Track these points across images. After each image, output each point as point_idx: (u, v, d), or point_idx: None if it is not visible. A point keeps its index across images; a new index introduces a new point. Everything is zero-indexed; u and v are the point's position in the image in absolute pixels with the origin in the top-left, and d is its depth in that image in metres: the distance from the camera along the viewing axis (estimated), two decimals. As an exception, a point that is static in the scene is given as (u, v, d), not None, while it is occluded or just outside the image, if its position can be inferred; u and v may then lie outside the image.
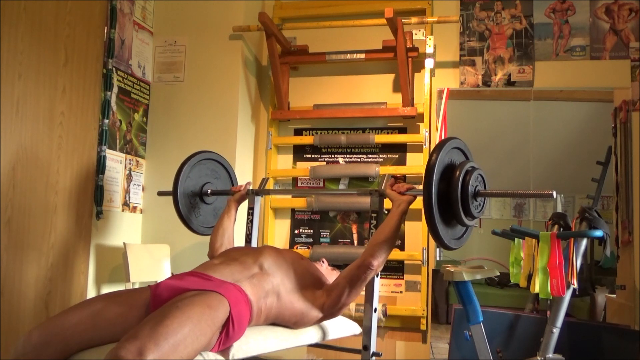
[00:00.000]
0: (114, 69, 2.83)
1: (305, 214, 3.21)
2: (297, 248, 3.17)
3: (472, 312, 2.46)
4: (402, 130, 3.12)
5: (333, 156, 3.21)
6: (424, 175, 1.69)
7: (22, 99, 2.30)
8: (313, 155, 3.24)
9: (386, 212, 1.95)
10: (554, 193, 1.65)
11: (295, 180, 3.26)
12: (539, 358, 2.36)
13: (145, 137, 3.13)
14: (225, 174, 2.60)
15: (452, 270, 2.49)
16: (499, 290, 3.03)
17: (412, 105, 3.00)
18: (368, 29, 3.12)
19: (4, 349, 2.15)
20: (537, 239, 2.37)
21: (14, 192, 2.26)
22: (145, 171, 3.11)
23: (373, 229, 1.93)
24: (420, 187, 1.78)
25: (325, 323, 1.91)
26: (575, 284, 2.31)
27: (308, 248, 3.12)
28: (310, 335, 1.86)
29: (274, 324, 1.78)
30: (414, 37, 3.06)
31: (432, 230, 1.69)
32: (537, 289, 2.31)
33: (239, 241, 2.39)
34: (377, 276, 1.85)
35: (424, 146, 3.01)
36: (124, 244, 2.68)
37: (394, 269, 3.03)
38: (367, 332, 1.84)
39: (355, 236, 3.13)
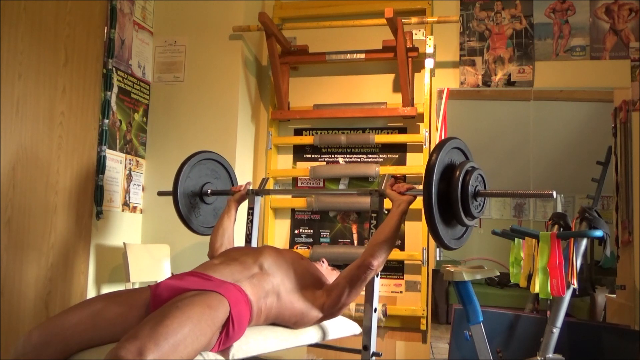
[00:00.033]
0: (114, 69, 2.83)
1: (305, 214, 3.21)
2: (297, 248, 3.17)
3: (472, 312, 2.46)
4: (402, 130, 3.12)
5: (333, 156, 3.21)
6: (424, 175, 1.69)
7: (22, 99, 2.30)
8: (313, 155, 3.24)
9: (386, 212, 1.95)
10: (554, 193, 1.65)
11: (295, 180, 3.26)
12: (539, 358, 2.36)
13: (145, 137, 3.13)
14: (225, 174, 2.60)
15: (452, 270, 2.49)
16: (499, 290, 3.03)
17: (412, 105, 3.00)
18: (368, 29, 3.12)
19: (4, 349, 2.15)
20: (537, 239, 2.37)
21: (14, 192, 2.26)
22: (145, 171, 3.11)
23: (373, 229, 1.93)
24: (420, 187, 1.78)
25: (325, 323, 1.91)
26: (575, 284, 2.31)
27: (308, 248, 3.12)
28: (310, 335, 1.86)
29: (274, 324, 1.78)
30: (414, 37, 3.06)
31: (432, 230, 1.69)
32: (537, 289, 2.31)
33: (239, 241, 2.39)
34: (377, 276, 1.85)
35: (424, 146, 3.01)
36: (124, 244, 2.68)
37: (394, 269, 3.03)
38: (367, 332, 1.84)
39: (355, 236, 3.13)
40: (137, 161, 3.05)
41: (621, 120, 2.88)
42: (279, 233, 3.23)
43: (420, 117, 3.04)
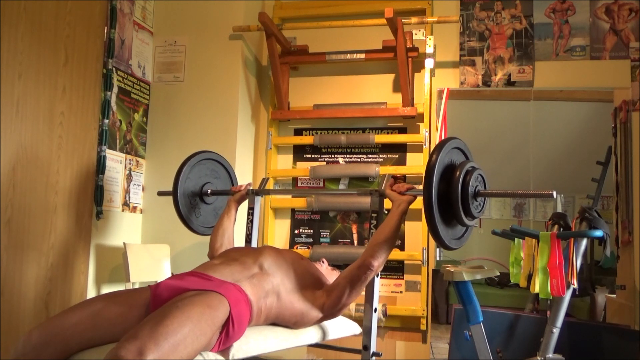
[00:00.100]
0: (114, 69, 2.83)
1: (305, 214, 3.21)
2: (297, 248, 3.17)
3: (472, 312, 2.46)
4: (402, 130, 3.12)
5: (333, 156, 3.21)
6: (424, 175, 1.69)
7: (22, 99, 2.30)
8: (313, 155, 3.24)
9: (386, 212, 1.95)
10: (554, 193, 1.65)
11: (295, 180, 3.26)
12: (539, 358, 2.36)
13: (145, 137, 3.13)
14: (225, 174, 2.60)
15: (452, 270, 2.49)
16: (499, 290, 3.04)
17: (412, 105, 3.00)
18: (368, 29, 3.12)
19: (4, 349, 2.15)
20: (537, 239, 2.37)
21: (14, 192, 2.26)
22: (145, 171, 3.11)
23: (373, 229, 1.93)
24: (420, 187, 1.78)
25: (325, 323, 1.91)
26: (575, 284, 2.31)
27: (308, 248, 3.12)
28: (310, 335, 1.86)
29: (274, 324, 1.78)
30: (414, 37, 3.06)
31: (432, 230, 1.69)
32: (537, 289, 2.31)
33: (239, 241, 2.39)
34: (377, 276, 1.85)
35: (424, 146, 3.01)
36: (124, 244, 2.68)
37: (394, 269, 3.03)
38: (367, 332, 1.84)
39: (355, 236, 3.13)
40: (137, 161, 3.05)
41: (621, 120, 2.88)
42: (279, 233, 3.23)
43: (420, 117, 3.04)
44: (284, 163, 3.28)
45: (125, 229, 2.93)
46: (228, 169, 2.60)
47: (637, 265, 2.70)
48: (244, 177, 3.10)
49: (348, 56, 3.10)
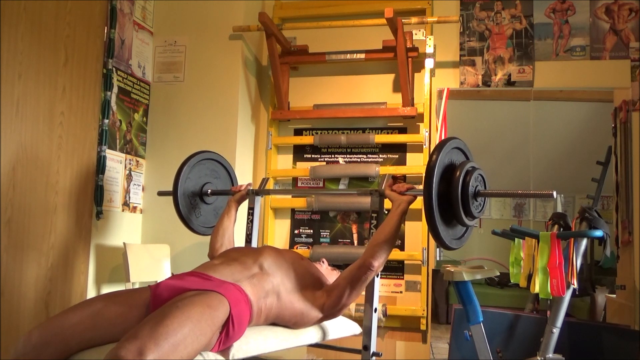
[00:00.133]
0: (114, 69, 2.83)
1: (305, 214, 3.21)
2: (297, 248, 3.17)
3: (472, 312, 2.46)
4: (402, 130, 3.12)
5: (333, 156, 3.21)
6: (424, 175, 1.69)
7: (22, 99, 2.30)
8: (313, 155, 3.24)
9: (386, 212, 1.95)
10: (554, 193, 1.65)
11: (295, 180, 3.26)
12: (539, 358, 2.36)
13: (145, 137, 3.13)
14: (225, 174, 2.60)
15: (452, 270, 2.49)
16: (499, 290, 3.04)
17: (412, 105, 3.00)
18: (368, 29, 3.12)
19: (4, 349, 2.15)
20: (537, 239, 2.37)
21: (14, 192, 2.26)
22: (145, 171, 3.11)
23: (373, 229, 1.93)
24: (420, 187, 1.78)
25: (325, 323, 1.91)
26: (575, 284, 2.31)
27: (308, 248, 3.12)
28: (310, 335, 1.86)
29: (274, 324, 1.78)
30: (414, 37, 3.06)
31: (433, 230, 1.69)
32: (537, 289, 2.31)
33: (239, 241, 2.39)
34: (377, 276, 1.85)
35: (424, 146, 3.01)
36: (124, 244, 2.68)
37: (394, 269, 3.03)
38: (367, 332, 1.84)
39: (355, 236, 3.13)
40: (137, 161, 3.05)
41: (621, 120, 2.88)
42: (279, 233, 3.23)
43: (420, 117, 3.04)
44: (284, 163, 3.28)
45: (125, 229, 2.93)
46: (228, 169, 2.60)
47: (637, 265, 2.70)
48: (244, 177, 3.10)
49: (348, 56, 3.10)
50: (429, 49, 3.00)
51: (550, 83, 2.99)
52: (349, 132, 3.17)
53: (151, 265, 2.77)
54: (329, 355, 2.68)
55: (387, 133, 3.14)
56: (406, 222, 3.03)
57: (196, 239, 2.69)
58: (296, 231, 3.21)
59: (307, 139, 3.21)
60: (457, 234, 1.82)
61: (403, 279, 3.03)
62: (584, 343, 2.61)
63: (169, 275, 2.80)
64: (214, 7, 3.15)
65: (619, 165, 2.84)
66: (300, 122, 3.27)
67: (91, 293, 2.67)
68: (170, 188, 2.38)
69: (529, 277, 2.46)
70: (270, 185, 3.21)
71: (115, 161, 2.86)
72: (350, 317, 2.58)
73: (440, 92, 3.07)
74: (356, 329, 2.06)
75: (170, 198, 2.38)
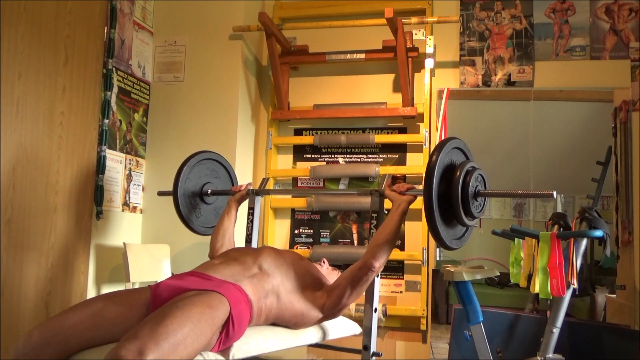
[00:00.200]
0: (114, 69, 2.83)
1: (305, 214, 3.21)
2: (297, 248, 3.17)
3: (472, 312, 2.46)
4: (402, 130, 3.12)
5: (333, 156, 3.21)
6: (424, 175, 1.69)
7: (22, 99, 2.30)
8: (313, 155, 3.24)
9: (386, 212, 1.95)
10: (554, 193, 1.65)
11: (295, 180, 3.26)
12: (539, 358, 2.36)
13: (145, 137, 3.13)
14: (225, 174, 2.60)
15: (452, 270, 2.49)
16: (499, 290, 3.03)
17: (412, 105, 3.00)
18: (368, 29, 3.12)
19: (4, 349, 2.15)
20: (537, 239, 2.37)
21: (14, 192, 2.26)
22: (145, 171, 3.11)
23: (373, 229, 1.93)
24: (420, 187, 1.78)
25: (326, 323, 1.91)
26: (575, 284, 2.31)
27: (308, 248, 3.12)
28: (310, 335, 1.86)
29: (274, 324, 1.78)
30: (414, 37, 3.06)
31: (433, 230, 1.69)
32: (537, 289, 2.31)
33: (239, 241, 2.39)
34: (377, 276, 1.85)
35: (424, 146, 3.01)
36: (124, 244, 2.68)
37: (394, 269, 3.03)
38: (367, 332, 1.84)
39: (355, 236, 3.13)
40: (137, 161, 3.05)
41: (621, 120, 2.88)
42: (279, 233, 3.23)
43: (420, 117, 3.04)
44: (284, 163, 3.28)
45: (125, 229, 2.93)
46: (228, 169, 2.60)
47: (637, 265, 2.70)
48: (244, 177, 3.10)
49: (348, 56, 3.10)
50: (429, 49, 3.00)
51: (550, 83, 2.99)
52: (349, 132, 3.17)
53: (151, 265, 2.77)
54: (329, 355, 2.68)
55: (387, 133, 3.14)
56: (406, 222, 3.03)
57: (196, 239, 2.69)
58: (296, 231, 3.21)
59: (307, 139, 3.21)
60: (457, 234, 1.82)
61: (403, 279, 3.03)
62: (584, 343, 2.61)
63: (169, 275, 2.80)
64: (214, 7, 3.15)
65: (619, 165, 2.84)
66: (300, 122, 3.27)
67: (91, 293, 2.67)
68: (170, 188, 2.38)
69: (529, 277, 2.46)
70: (270, 185, 3.21)
71: (115, 161, 2.86)
72: (350, 317, 2.58)
73: (440, 92, 3.07)
74: (356, 329, 2.06)
75: (170, 198, 2.38)
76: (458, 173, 1.71)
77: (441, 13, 3.06)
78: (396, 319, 2.96)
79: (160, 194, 2.59)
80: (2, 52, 2.19)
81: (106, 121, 2.75)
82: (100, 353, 1.42)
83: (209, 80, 3.10)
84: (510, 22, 3.05)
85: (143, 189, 3.10)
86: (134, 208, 3.02)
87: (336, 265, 2.43)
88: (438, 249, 2.96)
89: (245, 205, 2.35)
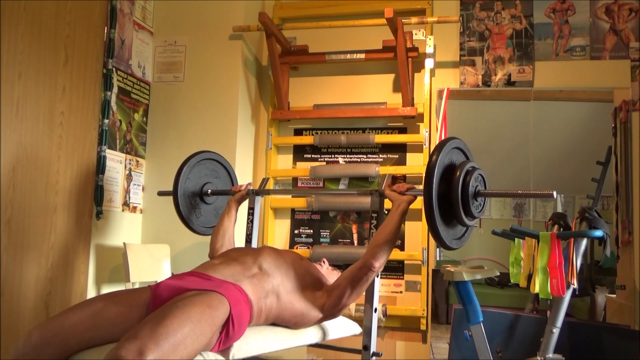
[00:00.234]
0: (114, 69, 2.83)
1: (305, 214, 3.21)
2: (297, 248, 3.17)
3: (472, 312, 2.46)
4: (402, 130, 3.12)
5: (333, 156, 3.21)
6: (424, 176, 1.69)
7: (22, 99, 2.30)
8: (313, 155, 3.24)
9: (386, 212, 1.95)
10: (554, 193, 1.65)
11: (295, 180, 3.26)
12: (539, 358, 2.36)
13: (145, 137, 3.13)
14: (225, 174, 2.60)
15: (452, 270, 2.49)
16: (499, 290, 3.03)
17: (412, 105, 3.00)
18: (368, 29, 3.12)
19: (4, 349, 2.15)
20: (537, 239, 2.37)
21: (14, 192, 2.26)
22: (145, 171, 3.11)
23: (373, 229, 1.93)
24: (421, 187, 1.78)
25: (326, 323, 1.91)
26: (575, 284, 2.31)
27: (308, 248, 3.12)
28: (310, 335, 1.86)
29: (274, 324, 1.78)
30: (414, 37, 3.06)
31: (433, 230, 1.69)
32: (537, 289, 2.31)
33: (239, 241, 2.39)
34: (377, 276, 1.85)
35: (424, 146, 3.01)
36: (124, 244, 2.68)
37: (394, 269, 3.03)
38: (367, 332, 1.84)
39: (355, 236, 3.13)
40: (137, 161, 3.05)
41: (621, 120, 2.88)
42: (279, 233, 3.23)
43: (420, 117, 3.04)
44: (284, 163, 3.28)
45: (125, 229, 2.93)
46: (228, 169, 2.60)
47: (637, 265, 2.70)
48: (244, 177, 3.10)
49: (348, 56, 3.10)
50: (429, 49, 3.00)
51: (550, 83, 2.99)
52: (349, 132, 3.17)
53: (151, 265, 2.77)
54: (329, 355, 2.68)
55: (387, 133, 3.14)
56: (406, 222, 3.03)
57: (196, 239, 2.69)
58: (296, 231, 3.21)
59: (307, 139, 3.21)
60: (457, 234, 1.82)
61: (403, 279, 3.03)
62: (584, 343, 2.61)
63: (169, 275, 2.80)
64: (214, 7, 3.15)
65: (619, 165, 2.84)
66: (300, 122, 3.27)
67: (91, 293, 2.67)
68: (170, 188, 2.38)
69: (529, 277, 2.46)
70: (270, 185, 3.21)
71: (115, 161, 2.86)
72: (350, 317, 2.58)
73: (440, 92, 3.07)
74: (356, 329, 2.06)
75: (170, 198, 2.38)
76: (458, 173, 1.71)
77: (441, 13, 3.06)
78: (396, 319, 2.96)
79: (160, 194, 2.59)
80: (2, 52, 2.19)
81: (106, 121, 2.75)
82: (100, 353, 1.42)
83: (209, 80, 3.10)
84: (510, 22, 3.05)
85: (143, 189, 3.10)
86: (134, 208, 3.02)
87: (336, 265, 2.42)
88: (438, 249, 2.96)
89: (245, 205, 2.35)
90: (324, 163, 3.21)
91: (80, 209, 2.62)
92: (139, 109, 3.07)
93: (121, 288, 2.69)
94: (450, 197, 1.70)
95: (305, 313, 1.78)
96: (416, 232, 2.99)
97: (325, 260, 2.15)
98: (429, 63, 3.01)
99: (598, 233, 2.40)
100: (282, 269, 1.80)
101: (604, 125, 2.93)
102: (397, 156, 3.12)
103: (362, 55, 3.07)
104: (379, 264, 1.76)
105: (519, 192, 1.79)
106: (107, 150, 2.77)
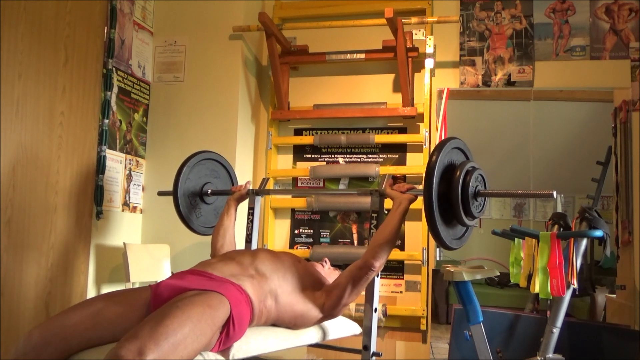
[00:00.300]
0: (114, 69, 2.83)
1: (305, 214, 3.21)
2: (297, 248, 3.17)
3: (472, 312, 2.46)
4: (402, 130, 3.12)
5: (333, 156, 3.21)
6: (424, 176, 1.69)
7: (22, 99, 2.30)
8: (313, 155, 3.24)
9: (386, 212, 1.95)
10: (554, 193, 1.65)
11: (295, 180, 3.26)
12: (539, 358, 2.36)
13: (145, 137, 3.13)
14: (225, 174, 2.60)
15: (452, 270, 2.49)
16: (499, 290, 3.04)
17: (412, 105, 3.00)
18: (368, 29, 3.12)
19: (4, 349, 2.15)
20: (537, 239, 2.37)
21: (14, 192, 2.26)
22: (145, 171, 3.11)
23: (373, 229, 1.93)
24: (421, 187, 1.78)
25: (326, 323, 1.91)
26: (575, 284, 2.31)
27: (308, 248, 3.12)
28: (310, 335, 1.86)
29: (274, 325, 1.78)
30: (414, 37, 3.06)
31: (433, 230, 1.69)
32: (537, 289, 2.31)
33: (240, 241, 2.38)
34: (377, 276, 1.85)
35: (424, 146, 3.01)
36: (124, 244, 2.68)
37: (394, 269, 3.03)
38: (367, 332, 1.84)
39: (355, 236, 3.13)
40: (137, 161, 3.05)
41: (621, 120, 2.88)
42: (279, 233, 3.23)
43: (420, 117, 3.04)
44: (284, 163, 3.28)
45: (125, 229, 2.93)
46: (228, 169, 2.60)
47: (637, 265, 2.70)
48: (244, 177, 3.10)
49: (348, 56, 3.10)
50: (429, 49, 3.00)
51: (550, 83, 2.99)
52: (349, 132, 3.17)
53: (151, 265, 2.77)
54: (329, 355, 2.68)
55: (387, 133, 3.14)
56: (406, 222, 3.03)
57: (196, 239, 2.69)
58: (296, 231, 3.21)
59: (307, 139, 3.21)
60: (457, 234, 1.82)
61: (403, 279, 3.03)
62: (584, 343, 2.61)
63: (169, 275, 2.80)
64: (214, 7, 3.15)
65: (619, 165, 2.84)
66: (300, 122, 3.27)
67: (91, 293, 2.67)
68: (170, 188, 2.38)
69: (529, 277, 2.46)
70: (270, 185, 3.21)
71: (115, 161, 2.86)
72: (350, 317, 2.58)
73: (440, 92, 3.07)
74: (356, 329, 2.06)
75: (170, 198, 2.38)
76: (458, 173, 1.71)
77: (441, 13, 3.06)
78: (396, 319, 2.96)
79: (160, 194, 2.59)
80: (2, 52, 2.19)
81: (106, 121, 2.75)
82: (100, 353, 1.42)
83: (209, 80, 3.10)
84: (510, 22, 3.05)
85: (143, 189, 3.10)
86: (134, 208, 3.02)
87: (336, 265, 2.42)
88: (438, 249, 2.96)
89: (245, 205, 2.35)
90: (324, 163, 3.21)
91: (80, 209, 2.62)
92: (139, 109, 3.07)
93: (121, 288, 2.68)
94: (450, 197, 1.70)
95: (305, 314, 1.78)
96: (416, 232, 2.99)
97: (327, 260, 2.14)
98: (429, 63, 3.01)
99: (598, 233, 2.40)
100: (280, 272, 1.79)
101: (604, 125, 2.93)
102: (397, 156, 3.12)
103: (362, 55, 3.07)
104: (379, 263, 1.76)
105: (519, 192, 1.79)
106: (107, 150, 2.77)
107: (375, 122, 3.16)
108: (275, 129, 3.25)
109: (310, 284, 1.84)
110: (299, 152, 3.27)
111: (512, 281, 2.70)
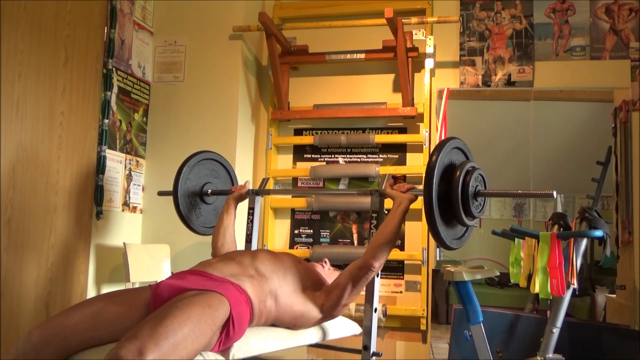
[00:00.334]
0: (114, 69, 2.83)
1: (305, 214, 3.21)
2: (297, 248, 3.17)
3: (472, 312, 2.46)
4: (402, 130, 3.12)
5: (333, 156, 3.21)
6: (424, 176, 1.69)
7: (22, 99, 2.30)
8: (313, 155, 3.24)
9: (386, 212, 1.95)
10: (554, 193, 1.65)
11: (295, 180, 3.26)
12: (539, 358, 2.36)
13: (145, 137, 3.13)
14: (225, 174, 2.60)
15: (452, 270, 2.49)
16: (499, 290, 3.04)
17: (412, 105, 3.00)
18: (368, 29, 3.12)
19: (4, 349, 2.15)
20: (537, 239, 2.37)
21: (14, 192, 2.26)
22: (145, 171, 3.11)
23: (373, 229, 1.93)
24: (421, 187, 1.78)
25: (326, 323, 1.91)
26: (575, 284, 2.31)
27: (308, 248, 3.12)
28: (310, 335, 1.85)
29: (274, 325, 1.78)
30: (414, 37, 3.06)
31: (433, 230, 1.69)
32: (537, 289, 2.31)
33: (240, 241, 2.38)
34: (377, 276, 1.85)
35: (424, 146, 3.01)
36: (124, 244, 2.68)
37: (394, 269, 3.03)
38: (367, 332, 1.84)
39: (355, 236, 3.13)
40: (137, 161, 3.05)
41: (621, 120, 2.88)
42: (279, 233, 3.23)
43: (420, 117, 3.04)
44: (284, 163, 3.28)
45: (125, 229, 2.93)
46: (228, 169, 2.60)
47: (637, 265, 2.70)
48: (244, 177, 3.10)
49: (348, 56, 3.10)
50: (429, 49, 3.00)
51: (550, 83, 2.99)
52: (349, 132, 3.17)
53: (151, 265, 2.77)
54: (329, 355, 2.68)
55: (387, 133, 3.14)
56: (406, 222, 3.03)
57: (196, 239, 2.69)
58: (296, 231, 3.21)
59: (307, 139, 3.21)
60: (457, 234, 1.82)
61: (403, 279, 3.03)
62: (584, 343, 2.61)
63: (169, 275, 2.80)
64: (214, 7, 3.15)
65: (619, 165, 2.84)
66: (300, 122, 3.27)
67: (91, 293, 2.67)
68: (170, 188, 2.38)
69: (529, 277, 2.46)
70: (270, 185, 3.21)
71: (115, 161, 2.86)
72: (350, 317, 2.58)
73: (440, 92, 3.07)
74: (356, 329, 2.06)
75: (170, 198, 2.38)
76: (458, 173, 1.71)
77: (441, 13, 3.06)
78: (396, 319, 2.96)
79: (160, 194, 2.59)
80: (2, 52, 2.19)
81: (106, 121, 2.75)
82: (100, 353, 1.42)
83: (209, 80, 3.10)
84: (510, 22, 3.05)
85: (143, 189, 3.10)
86: (134, 208, 3.02)
87: (336, 265, 2.42)
88: (438, 249, 2.96)
89: (245, 205, 2.35)
90: (324, 163, 3.21)
91: (80, 209, 2.62)
92: (139, 109, 3.07)
93: (121, 288, 2.68)
94: (450, 197, 1.70)
95: (305, 314, 1.78)
96: (416, 232, 2.99)
97: (327, 260, 2.14)
98: (429, 63, 3.01)
99: (598, 233, 2.40)
100: (280, 272, 1.79)
101: (604, 125, 2.93)
102: (397, 156, 3.12)
103: (362, 55, 3.07)
104: (378, 263, 1.76)
105: (519, 192, 1.79)
106: (107, 150, 2.77)
107: (375, 122, 3.16)
108: (275, 129, 3.25)
109: (310, 285, 1.84)
110: (299, 152, 3.27)
111: (512, 281, 2.70)
